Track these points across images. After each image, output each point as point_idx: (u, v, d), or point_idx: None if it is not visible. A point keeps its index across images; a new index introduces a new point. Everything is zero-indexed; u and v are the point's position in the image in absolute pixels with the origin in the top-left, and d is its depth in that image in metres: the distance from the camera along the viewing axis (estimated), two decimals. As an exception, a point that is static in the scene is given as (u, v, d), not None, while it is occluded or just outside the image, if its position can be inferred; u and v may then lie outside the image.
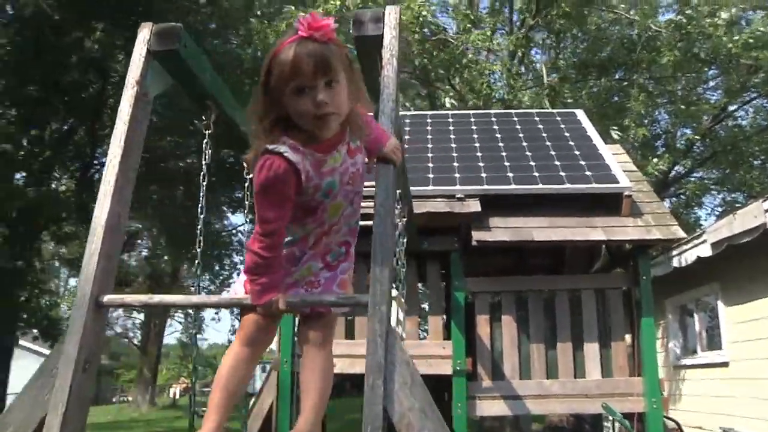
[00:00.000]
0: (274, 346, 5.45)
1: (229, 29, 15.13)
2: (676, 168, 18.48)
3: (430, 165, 5.88)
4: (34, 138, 14.24)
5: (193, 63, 2.36)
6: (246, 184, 2.78)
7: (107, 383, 41.80)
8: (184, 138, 14.65)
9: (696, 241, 7.56)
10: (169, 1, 13.01)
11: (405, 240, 3.95)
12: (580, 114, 7.15)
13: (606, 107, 15.85)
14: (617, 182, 5.38)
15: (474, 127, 6.90)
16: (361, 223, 2.00)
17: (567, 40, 16.65)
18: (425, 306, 8.69)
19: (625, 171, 5.73)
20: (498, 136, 6.61)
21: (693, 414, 8.45)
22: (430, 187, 5.40)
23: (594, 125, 6.86)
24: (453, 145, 6.39)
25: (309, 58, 1.62)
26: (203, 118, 2.63)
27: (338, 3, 11.34)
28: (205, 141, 2.69)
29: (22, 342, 19.29)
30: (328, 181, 1.78)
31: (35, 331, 14.72)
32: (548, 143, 6.28)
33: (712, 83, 18.19)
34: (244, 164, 2.50)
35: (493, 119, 7.19)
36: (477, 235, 5.12)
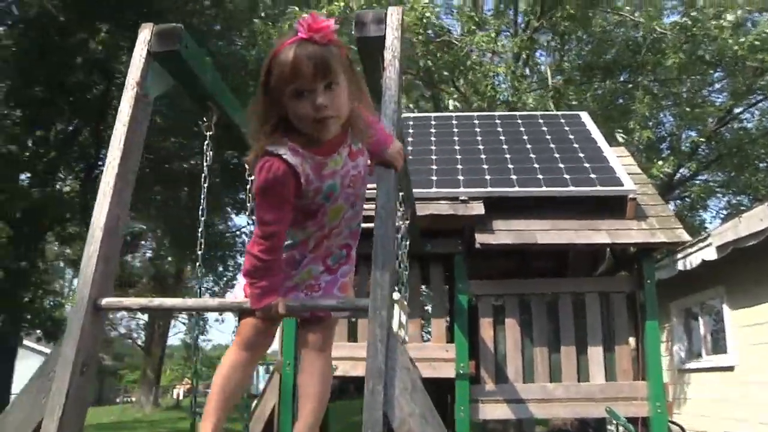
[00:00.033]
0: (276, 347, 5.43)
1: (233, 31, 15.16)
2: (681, 171, 18.40)
3: (434, 167, 5.86)
4: (39, 139, 14.30)
5: (194, 64, 2.34)
6: (248, 186, 2.77)
7: (111, 384, 41.88)
8: (188, 139, 14.67)
9: (701, 245, 7.52)
10: (173, 2, 13.03)
11: (408, 242, 3.93)
12: (585, 116, 7.12)
13: (611, 109, 15.78)
14: (622, 185, 5.35)
15: (478, 129, 6.88)
16: (363, 225, 1.98)
17: (572, 42, 16.59)
18: (428, 308, 8.66)
19: (629, 174, 5.69)
20: (502, 138, 6.58)
21: (698, 418, 8.40)
22: (434, 190, 5.37)
23: (598, 127, 6.83)
24: (457, 147, 6.37)
25: (308, 61, 1.60)
26: (204, 119, 2.61)
27: (342, 4, 11.33)
28: (206, 142, 2.68)
29: (26, 342, 19.33)
30: (328, 183, 1.76)
31: (39, 331, 14.74)
32: (552, 145, 6.25)
33: (717, 85, 18.12)
34: (246, 166, 2.49)
35: (497, 121, 7.16)
36: (480, 238, 5.10)
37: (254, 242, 1.75)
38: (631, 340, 5.52)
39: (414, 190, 4.41)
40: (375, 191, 1.97)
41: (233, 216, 22.46)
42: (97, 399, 35.35)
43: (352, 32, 2.35)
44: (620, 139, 12.18)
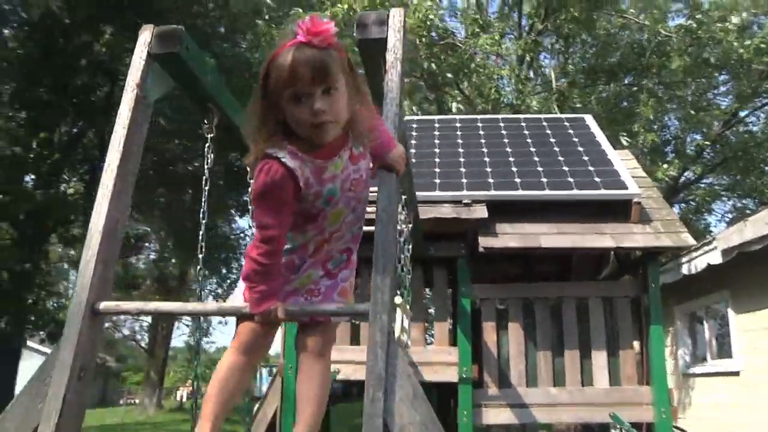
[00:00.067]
0: (279, 350, 5.42)
1: (238, 33, 15.19)
2: (685, 174, 18.34)
3: (437, 170, 5.83)
4: (43, 141, 14.33)
5: (194, 66, 2.32)
6: (250, 188, 2.75)
7: (114, 386, 41.93)
8: (192, 141, 14.70)
9: (706, 248, 7.49)
10: (176, 4, 13.06)
11: (410, 246, 3.90)
12: (589, 119, 7.08)
13: (615, 112, 15.75)
14: (626, 188, 5.32)
15: (481, 132, 6.85)
16: (365, 228, 1.95)
17: (576, 45, 16.57)
18: (432, 310, 8.64)
19: (634, 177, 5.66)
20: (505, 141, 6.55)
21: (703, 424, 8.35)
22: (437, 193, 5.35)
23: (603, 130, 6.79)
24: (460, 150, 6.34)
25: (306, 65, 1.58)
26: (205, 121, 2.60)
27: (345, 6, 11.33)
28: (207, 145, 2.66)
29: (29, 343, 19.35)
30: (328, 188, 1.74)
31: (42, 333, 14.77)
32: (556, 148, 6.22)
33: (723, 88, 18.06)
34: (248, 168, 2.47)
35: (501, 124, 7.13)
36: (484, 241, 5.07)
37: (253, 246, 1.73)
38: (636, 345, 5.48)
39: (417, 193, 4.39)
40: (376, 194, 1.95)
41: (237, 218, 22.51)
42: (100, 401, 35.40)
43: (355, 34, 2.32)
44: (624, 143, 12.14)
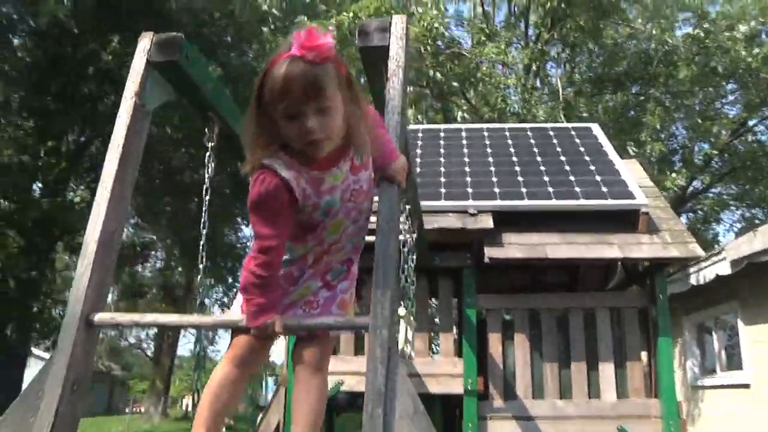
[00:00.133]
0: (282, 359, 5.38)
1: (244, 42, 15.24)
2: (693, 183, 18.24)
3: (443, 179, 5.79)
4: (50, 149, 14.38)
5: (194, 74, 2.30)
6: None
7: (120, 394, 41.91)
8: (198, 150, 14.72)
9: (715, 259, 7.41)
10: (184, 13, 13.11)
11: (415, 256, 3.86)
12: (596, 128, 7.03)
13: (622, 122, 15.69)
14: (633, 198, 5.26)
15: (487, 141, 6.81)
16: (368, 238, 1.91)
17: (583, 54, 16.55)
18: (437, 320, 8.58)
19: (641, 186, 5.60)
20: (512, 150, 6.50)
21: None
22: (442, 202, 5.30)
23: (610, 140, 6.74)
24: (466, 159, 6.30)
25: (299, 81, 1.53)
26: (206, 130, 2.57)
27: (351, 15, 11.34)
28: (207, 154, 2.63)
29: (35, 351, 19.39)
30: (326, 199, 1.70)
31: (48, 341, 14.78)
32: (563, 158, 6.17)
33: (731, 97, 17.97)
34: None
35: (507, 133, 7.09)
36: (489, 252, 5.01)
37: (251, 257, 1.70)
38: (643, 356, 5.41)
39: (422, 203, 4.35)
40: (378, 205, 1.91)
41: (243, 227, 22.51)
42: (105, 409, 35.39)
43: (356, 41, 2.29)
44: (631, 152, 12.08)
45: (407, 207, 3.45)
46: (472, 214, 5.16)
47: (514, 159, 6.24)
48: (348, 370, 4.90)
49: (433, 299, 6.30)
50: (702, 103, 17.13)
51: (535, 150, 6.44)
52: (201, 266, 2.75)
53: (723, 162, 18.23)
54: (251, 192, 1.63)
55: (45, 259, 14.60)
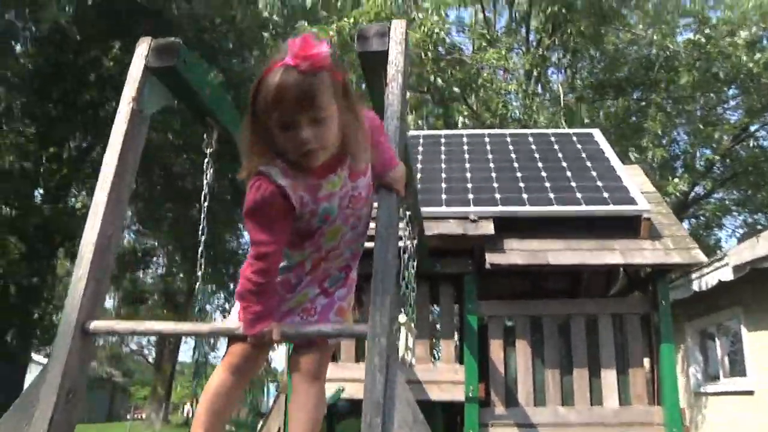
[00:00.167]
0: (283, 366, 5.35)
1: (245, 48, 15.26)
2: (695, 189, 18.20)
3: (444, 185, 5.77)
4: (52, 155, 14.40)
5: (192, 79, 2.28)
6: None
7: (121, 400, 41.81)
8: (200, 156, 14.67)
9: (717, 264, 7.37)
10: (185, 18, 13.13)
11: (415, 263, 3.84)
12: (597, 134, 7.01)
13: (623, 127, 15.67)
14: (635, 204, 5.23)
15: (488, 147, 6.79)
16: (367, 245, 1.89)
17: (584, 59, 16.55)
18: (438, 326, 8.55)
19: (643, 192, 5.58)
20: (513, 156, 6.49)
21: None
22: (443, 208, 5.28)
23: (611, 146, 6.72)
24: (467, 165, 6.28)
25: (292, 91, 1.50)
26: (204, 136, 2.55)
27: (351, 20, 11.34)
28: (206, 160, 2.62)
29: (35, 357, 19.35)
30: (324, 206, 1.68)
31: (48, 348, 14.76)
32: (564, 164, 6.15)
33: (732, 103, 17.95)
34: None
35: (508, 139, 7.07)
36: (491, 258, 4.99)
37: (248, 264, 1.68)
38: (646, 363, 5.37)
39: (423, 209, 4.33)
40: (377, 212, 1.89)
41: (245, 233, 22.47)
42: (107, 415, 35.30)
43: (356, 47, 2.27)
44: (633, 158, 12.06)
45: (408, 213, 3.43)
46: (473, 220, 5.14)
47: (516, 165, 6.22)
48: (349, 377, 4.87)
49: (435, 305, 6.27)
50: (703, 109, 17.11)
51: (537, 156, 6.42)
52: (199, 273, 2.73)
53: (725, 167, 18.20)
54: (247, 199, 1.62)
55: (46, 266, 14.60)
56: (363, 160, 1.74)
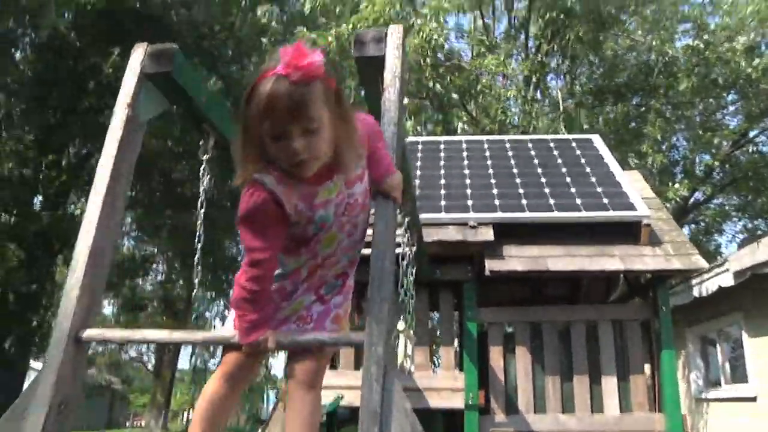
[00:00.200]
0: (282, 373, 5.33)
1: (244, 55, 15.28)
2: (695, 194, 18.19)
3: (443, 192, 5.75)
4: (51, 162, 14.39)
5: (188, 85, 2.26)
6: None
7: (120, 408, 41.69)
8: (199, 163, 14.67)
9: (718, 270, 7.34)
10: (184, 25, 13.14)
11: (414, 269, 3.81)
12: (597, 139, 7.00)
13: (623, 133, 15.67)
14: (635, 210, 5.21)
15: (488, 153, 6.78)
16: (365, 251, 1.87)
17: (583, 65, 16.56)
18: (438, 333, 8.51)
19: (643, 198, 5.57)
20: (512, 162, 6.47)
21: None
22: (443, 215, 5.26)
23: (611, 151, 6.70)
24: (466, 171, 6.26)
25: (283, 101, 1.48)
26: (200, 143, 2.53)
27: (350, 26, 11.35)
28: (202, 167, 2.60)
29: (34, 364, 19.29)
30: (320, 214, 1.66)
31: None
32: (564, 170, 6.13)
33: (731, 108, 17.95)
34: None
35: (507, 145, 7.06)
36: (490, 265, 4.97)
37: (242, 271, 1.66)
38: (647, 369, 5.34)
39: (422, 216, 4.31)
40: (373, 220, 1.87)
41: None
42: (106, 423, 35.17)
43: (353, 52, 2.26)
44: (632, 164, 12.05)
45: (406, 220, 3.41)
46: (473, 227, 5.12)
47: (515, 171, 6.21)
48: (348, 385, 4.84)
49: (434, 312, 6.24)
50: (703, 114, 17.12)
51: (536, 162, 6.40)
52: (196, 281, 2.71)
53: (724, 173, 18.19)
54: (240, 206, 1.60)
55: (45, 273, 14.57)
56: (356, 169, 1.71)
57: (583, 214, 5.23)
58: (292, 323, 1.77)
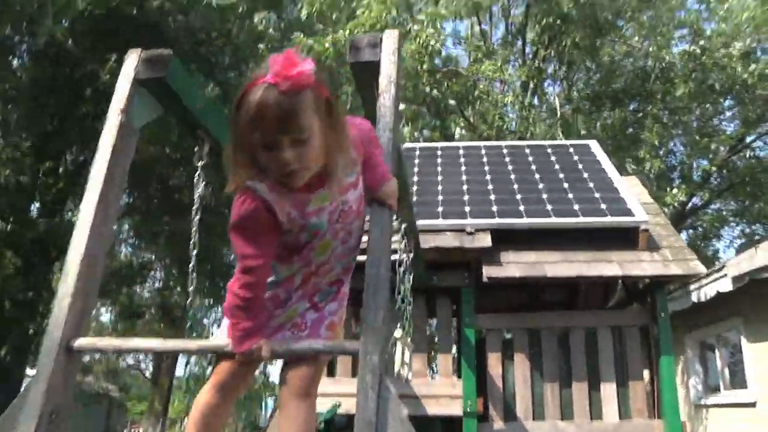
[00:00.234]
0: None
1: (242, 62, 15.29)
2: (693, 200, 18.21)
3: (440, 198, 5.74)
4: (48, 169, 14.35)
5: (182, 91, 2.24)
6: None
7: (118, 416, 41.50)
8: (196, 169, 14.66)
9: (716, 275, 7.32)
10: (181, 31, 13.14)
11: (411, 276, 3.79)
12: (594, 145, 6.99)
13: (620, 139, 15.69)
14: (633, 215, 5.20)
15: (485, 159, 6.77)
16: (360, 258, 1.85)
17: (580, 71, 16.60)
18: (436, 339, 8.48)
19: (641, 203, 5.55)
20: (509, 168, 6.46)
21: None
22: (440, 221, 5.24)
23: (609, 157, 6.70)
24: (463, 177, 6.25)
25: (273, 111, 1.45)
26: (195, 149, 2.52)
27: (347, 33, 11.35)
28: (197, 173, 2.58)
29: (30, 373, 19.20)
30: (313, 221, 1.64)
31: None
32: (561, 175, 6.12)
33: (728, 114, 18.00)
34: None
35: (505, 151, 7.05)
36: (488, 271, 4.95)
37: (235, 278, 1.64)
38: (645, 375, 5.32)
39: (419, 222, 4.29)
40: (369, 227, 1.85)
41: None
42: (104, 431, 34.99)
43: (348, 57, 2.24)
44: (630, 169, 12.06)
45: (403, 226, 3.39)
46: (470, 233, 5.10)
47: (512, 177, 6.19)
48: (345, 392, 4.81)
49: (432, 319, 6.22)
50: (700, 120, 17.15)
51: (534, 167, 6.39)
52: (191, 289, 2.69)
53: (722, 178, 18.21)
54: (232, 213, 1.58)
55: (42, 280, 14.51)
56: (349, 176, 1.69)
57: (581, 219, 5.22)
58: (286, 330, 1.75)
